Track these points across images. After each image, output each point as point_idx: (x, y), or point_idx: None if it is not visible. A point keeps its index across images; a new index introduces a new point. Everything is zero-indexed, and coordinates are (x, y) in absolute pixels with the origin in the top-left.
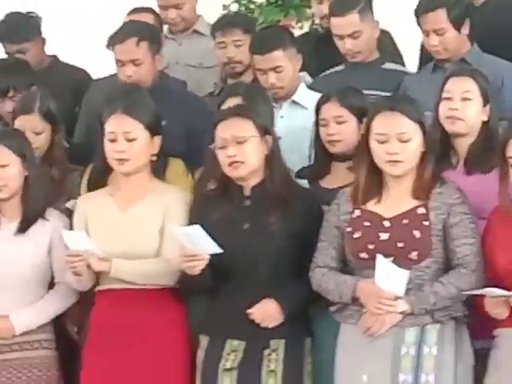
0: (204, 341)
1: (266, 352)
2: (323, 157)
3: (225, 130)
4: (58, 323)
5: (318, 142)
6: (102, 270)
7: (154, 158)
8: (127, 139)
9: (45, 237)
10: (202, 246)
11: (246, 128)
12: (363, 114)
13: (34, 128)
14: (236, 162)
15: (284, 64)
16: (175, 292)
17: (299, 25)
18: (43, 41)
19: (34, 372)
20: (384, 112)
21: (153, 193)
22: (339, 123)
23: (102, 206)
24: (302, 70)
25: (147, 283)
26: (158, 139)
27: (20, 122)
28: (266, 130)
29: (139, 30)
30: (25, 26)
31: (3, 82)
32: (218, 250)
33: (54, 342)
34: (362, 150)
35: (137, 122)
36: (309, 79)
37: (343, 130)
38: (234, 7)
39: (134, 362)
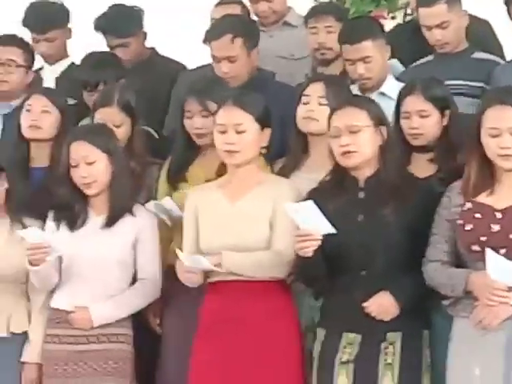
0: (321, 334)
1: (383, 345)
2: (404, 148)
3: (339, 120)
4: (139, 315)
5: (398, 133)
6: (215, 265)
7: (264, 151)
8: (237, 131)
9: (131, 232)
10: (314, 224)
11: (360, 117)
12: (446, 106)
13: (114, 121)
14: (349, 151)
15: (373, 54)
16: (284, 284)
17: (391, 15)
18: (145, 35)
19: (110, 364)
20: (494, 106)
21: (262, 184)
22: (422, 117)
23: (211, 198)
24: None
25: (257, 275)
26: (267, 131)
27: (100, 115)
28: (380, 120)
29: (234, 27)
30: (129, 20)
31: (94, 76)
32: (332, 230)
33: (131, 337)
34: (472, 144)
35: (247, 114)
36: (399, 66)
37: (426, 124)
38: None
39: (244, 353)
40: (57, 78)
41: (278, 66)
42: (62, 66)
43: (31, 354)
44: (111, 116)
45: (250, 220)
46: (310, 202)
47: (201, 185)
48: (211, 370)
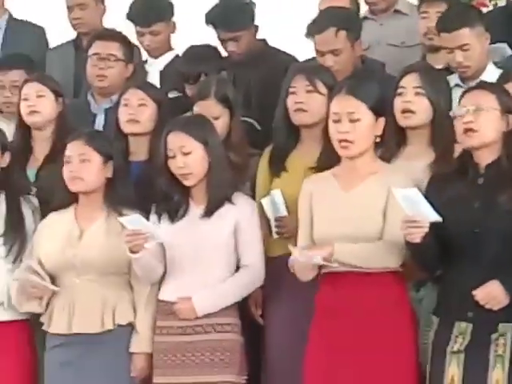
0: (435, 322)
1: (494, 336)
2: None
3: (466, 100)
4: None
5: None
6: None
7: (378, 140)
8: (351, 120)
9: (231, 221)
10: (421, 211)
11: (488, 99)
12: None
13: (211, 113)
14: (471, 129)
15: (471, 42)
16: (398, 274)
17: (493, 2)
18: (256, 28)
19: (217, 355)
20: None
21: (376, 174)
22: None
23: (326, 186)
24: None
25: (370, 266)
26: (382, 120)
27: (198, 108)
28: (508, 108)
29: (337, 19)
30: (240, 14)
31: (194, 68)
32: (438, 219)
33: (238, 326)
34: None
35: (361, 102)
36: (509, 51)
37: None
38: None
39: (359, 344)
40: (161, 72)
41: (388, 54)
42: (165, 59)
43: (140, 344)
44: (209, 108)
45: (365, 210)
46: (415, 190)
47: (317, 174)
48: (325, 362)
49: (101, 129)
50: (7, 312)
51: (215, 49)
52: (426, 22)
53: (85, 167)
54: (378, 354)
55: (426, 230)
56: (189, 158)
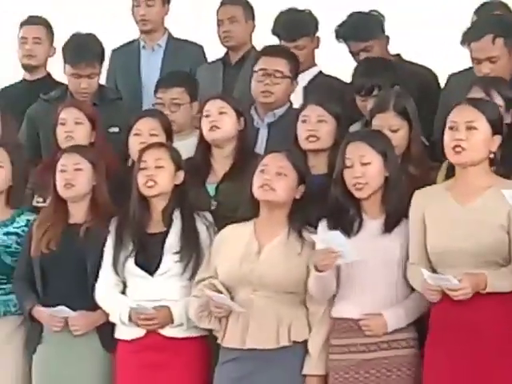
0: None
1: None
2: None
3: None
4: None
5: None
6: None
7: (492, 156)
8: (468, 128)
9: (406, 234)
10: None
11: None
12: None
13: (390, 126)
14: None
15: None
16: None
17: None
18: (387, 39)
19: (404, 371)
20: None
21: (493, 188)
22: None
23: (439, 200)
24: None
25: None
26: (498, 138)
27: (377, 121)
28: None
29: (494, 26)
30: (368, 24)
31: (368, 81)
32: None
33: (417, 340)
34: None
35: (480, 113)
36: None
37: None
38: None
39: (476, 358)
40: (304, 87)
41: None
42: (309, 74)
43: (312, 366)
44: (388, 121)
45: (482, 223)
46: None
47: (427, 187)
48: (443, 377)
49: (264, 144)
50: (186, 330)
51: (389, 62)
52: None
53: (280, 179)
54: (500, 370)
55: None
56: (367, 168)
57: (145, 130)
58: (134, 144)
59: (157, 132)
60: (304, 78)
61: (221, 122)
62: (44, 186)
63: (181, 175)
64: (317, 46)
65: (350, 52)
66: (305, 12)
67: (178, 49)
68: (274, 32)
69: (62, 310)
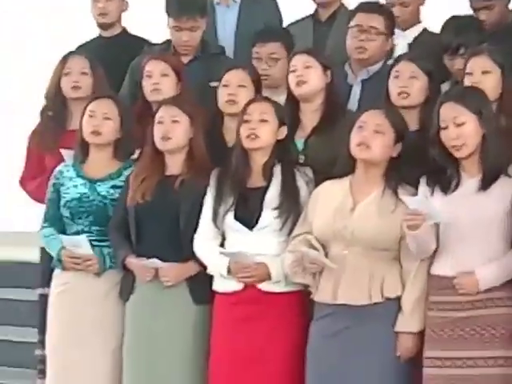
0: None
1: None
2: None
3: None
4: None
5: None
6: None
7: None
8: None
9: (508, 193)
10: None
11: None
12: None
13: (484, 67)
14: None
15: None
16: None
17: None
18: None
19: (498, 330)
20: None
21: None
22: None
23: None
24: None
25: None
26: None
27: (470, 64)
28: None
29: None
30: None
31: (455, 40)
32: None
33: None
34: None
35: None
36: None
37: None
38: None
39: None
40: (409, 44)
41: None
42: (414, 31)
43: (406, 323)
44: (482, 63)
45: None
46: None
47: None
48: None
49: (356, 100)
50: (284, 286)
51: (477, 20)
52: None
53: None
54: None
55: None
56: (462, 128)
57: (233, 82)
58: (223, 95)
59: (245, 83)
60: (408, 35)
61: (307, 76)
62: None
63: (284, 130)
64: (422, 3)
65: (471, 7)
66: None
67: (252, 4)
68: None
69: (154, 262)
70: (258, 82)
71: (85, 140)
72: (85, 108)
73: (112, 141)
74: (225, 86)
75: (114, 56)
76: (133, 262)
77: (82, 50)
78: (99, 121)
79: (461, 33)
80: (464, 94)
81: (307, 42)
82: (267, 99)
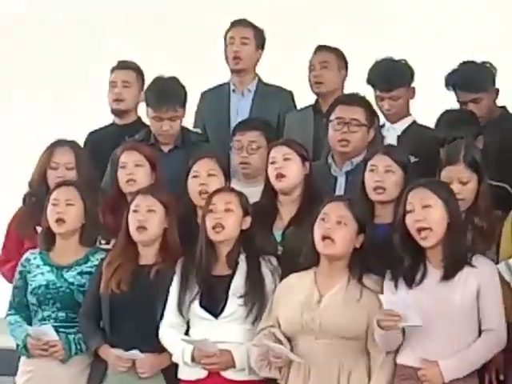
0: None
1: None
2: None
3: None
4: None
5: None
6: None
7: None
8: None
9: (472, 283)
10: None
11: None
12: None
13: (461, 178)
14: None
15: None
16: None
17: None
18: (497, 92)
19: None
20: None
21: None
22: None
23: None
24: None
25: None
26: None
27: (446, 173)
28: None
29: None
30: (482, 76)
31: (450, 133)
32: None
33: None
34: None
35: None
36: None
37: None
38: None
39: None
40: (398, 136)
41: None
42: (403, 124)
43: None
44: (458, 173)
45: None
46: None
47: None
48: None
49: (342, 192)
50: (247, 375)
51: (472, 114)
52: None
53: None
54: None
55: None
56: (429, 211)
57: (203, 171)
58: (193, 185)
59: (215, 172)
60: (398, 128)
61: (286, 168)
62: (106, 227)
63: (248, 220)
64: (412, 97)
65: (458, 101)
66: (400, 62)
67: (267, 94)
68: (369, 81)
69: (134, 354)
70: (226, 170)
71: (50, 228)
72: (48, 196)
73: (77, 227)
74: (195, 176)
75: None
76: (109, 351)
77: (93, 135)
78: (62, 208)
79: (456, 126)
80: (433, 182)
81: (308, 132)
82: (231, 189)
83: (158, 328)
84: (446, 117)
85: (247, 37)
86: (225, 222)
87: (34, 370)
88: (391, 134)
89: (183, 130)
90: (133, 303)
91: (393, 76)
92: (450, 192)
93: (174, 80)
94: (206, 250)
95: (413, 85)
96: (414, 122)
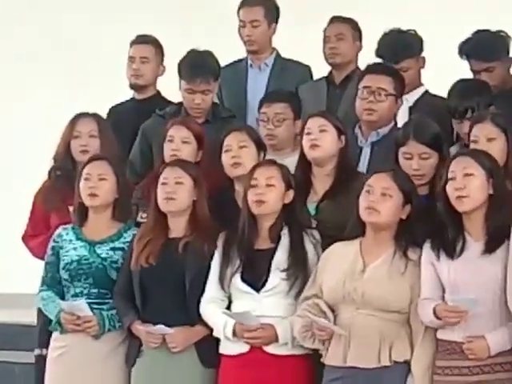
0: None
1: None
2: None
3: None
4: None
5: None
6: None
7: None
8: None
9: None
10: None
11: None
12: None
13: (488, 134)
14: None
15: None
16: None
17: None
18: (510, 61)
19: None
20: None
21: None
22: None
23: None
24: None
25: None
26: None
27: (474, 132)
28: None
29: None
30: (496, 45)
31: (462, 104)
32: None
33: None
34: None
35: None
36: None
37: None
38: None
39: None
40: (410, 107)
41: None
42: (415, 95)
43: None
44: (486, 130)
45: None
46: None
47: None
48: None
49: (366, 162)
50: (290, 349)
51: (485, 83)
52: None
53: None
54: None
55: None
56: (469, 179)
57: (234, 144)
58: (226, 159)
59: (246, 144)
60: (410, 99)
61: (321, 139)
62: (148, 201)
63: (290, 194)
64: (422, 66)
65: (471, 70)
66: (409, 32)
67: (284, 69)
68: (378, 54)
69: (161, 329)
70: (258, 140)
71: (83, 203)
72: (81, 171)
73: (110, 202)
74: (227, 150)
75: (144, 119)
76: (139, 328)
77: (113, 110)
78: (95, 183)
79: (468, 96)
80: (478, 152)
81: (320, 103)
82: (274, 163)
83: (188, 301)
84: (458, 87)
85: (257, 19)
86: (266, 198)
87: (67, 346)
88: (403, 105)
89: (214, 104)
90: (162, 277)
91: (399, 47)
92: (494, 163)
93: (208, 53)
94: (248, 223)
95: (425, 54)
96: (427, 92)
